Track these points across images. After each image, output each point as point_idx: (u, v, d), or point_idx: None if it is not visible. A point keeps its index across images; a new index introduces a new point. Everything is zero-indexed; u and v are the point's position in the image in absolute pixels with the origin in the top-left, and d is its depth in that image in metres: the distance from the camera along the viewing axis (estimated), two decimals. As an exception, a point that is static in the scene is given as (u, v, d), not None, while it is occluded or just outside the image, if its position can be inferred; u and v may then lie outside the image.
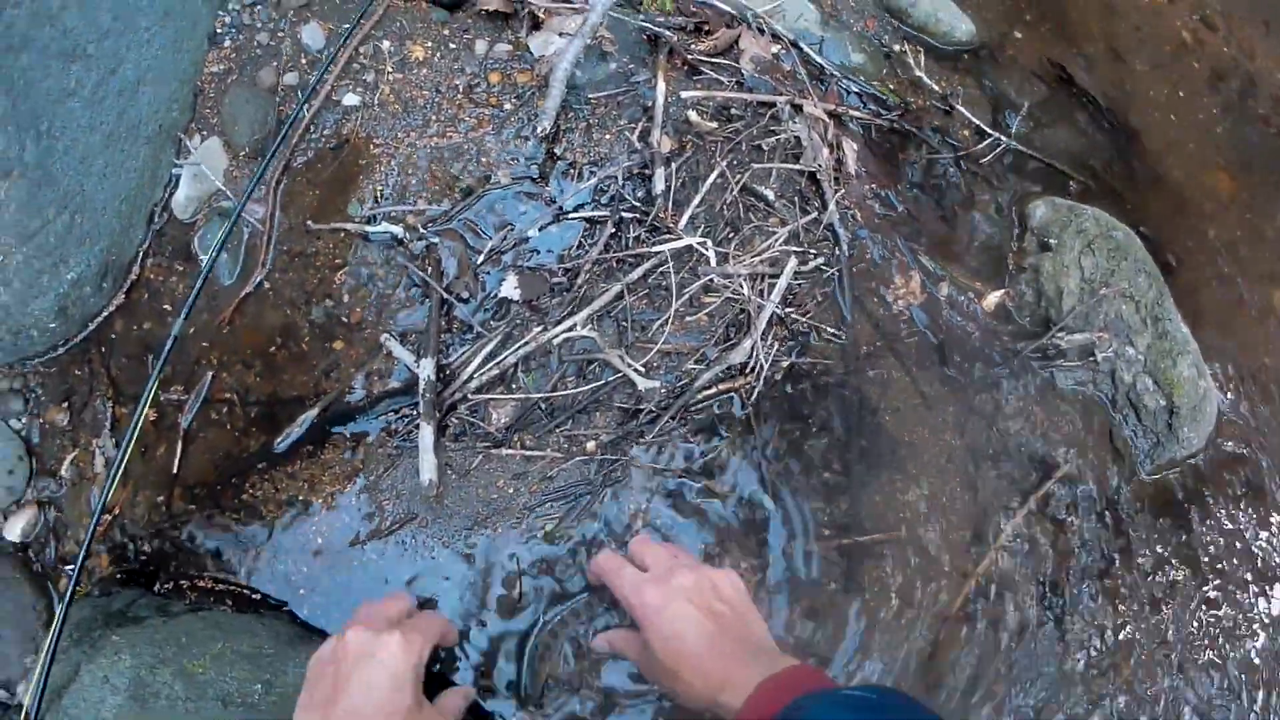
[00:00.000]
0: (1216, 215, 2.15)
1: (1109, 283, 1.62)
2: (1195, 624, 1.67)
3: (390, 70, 1.59)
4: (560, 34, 1.60)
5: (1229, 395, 1.86)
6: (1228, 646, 1.68)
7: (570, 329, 1.37)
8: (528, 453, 1.33)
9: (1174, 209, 2.03)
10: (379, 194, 1.49)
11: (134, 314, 1.45)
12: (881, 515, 1.46)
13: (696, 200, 1.48)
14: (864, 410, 1.48)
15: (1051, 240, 1.63)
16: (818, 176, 1.53)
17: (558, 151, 1.53)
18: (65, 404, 1.39)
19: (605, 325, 1.40)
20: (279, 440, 1.36)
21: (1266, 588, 1.75)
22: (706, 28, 1.67)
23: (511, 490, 1.33)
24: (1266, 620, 1.72)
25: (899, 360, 1.52)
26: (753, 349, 1.38)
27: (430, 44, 1.61)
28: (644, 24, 1.62)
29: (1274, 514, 1.83)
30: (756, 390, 1.41)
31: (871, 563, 1.45)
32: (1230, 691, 1.63)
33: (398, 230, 1.46)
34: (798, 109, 1.55)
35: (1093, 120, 2.00)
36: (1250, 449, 1.85)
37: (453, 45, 1.62)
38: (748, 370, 1.40)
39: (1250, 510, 1.79)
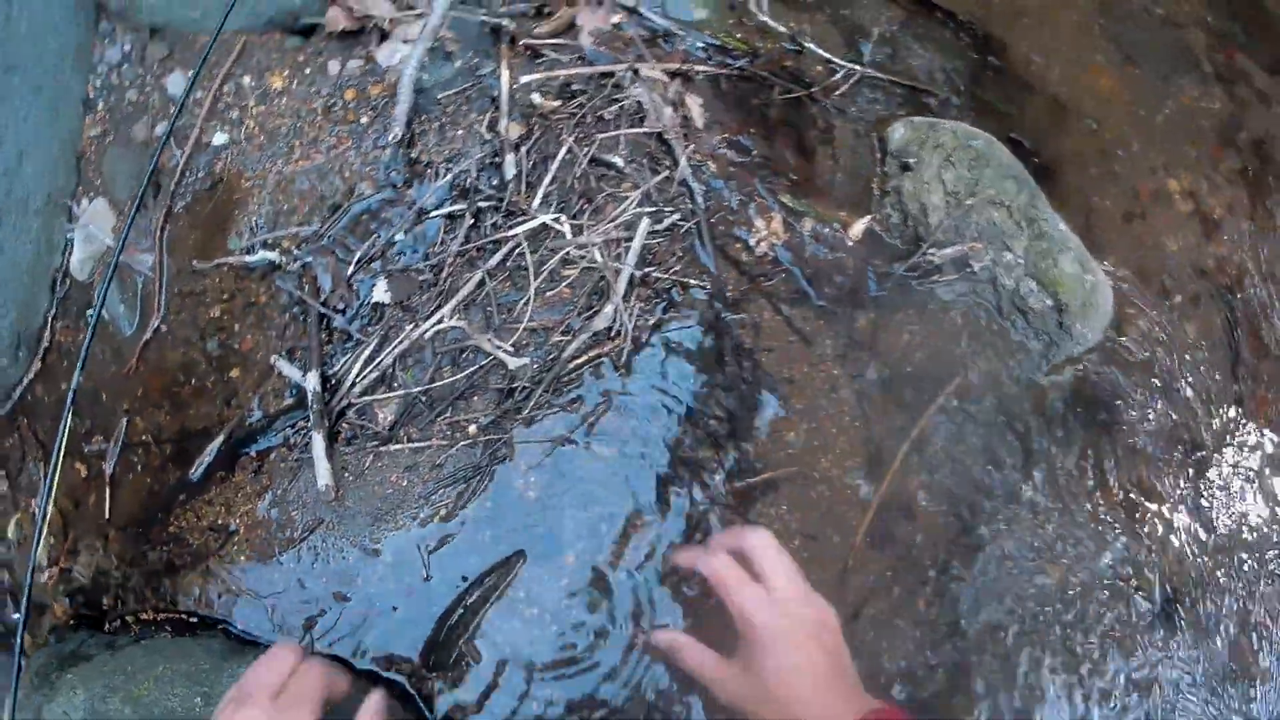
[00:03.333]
0: (1101, 114, 2.02)
1: (974, 192, 1.53)
2: (1109, 516, 1.60)
3: (253, 104, 1.55)
4: (405, 41, 1.54)
5: (1126, 286, 1.77)
6: (1145, 537, 1.61)
7: (439, 322, 1.33)
8: (415, 445, 1.31)
9: (1052, 114, 1.92)
10: (254, 225, 1.47)
11: (51, 377, 1.45)
12: (772, 454, 1.42)
13: (548, 179, 1.42)
14: (740, 354, 1.43)
15: (911, 160, 1.55)
16: (665, 136, 1.47)
17: (414, 155, 1.49)
18: (1, 472, 1.40)
19: (472, 313, 1.36)
20: (192, 471, 1.36)
21: (1177, 470, 1.68)
22: (547, 9, 1.60)
23: (405, 483, 1.31)
24: (1179, 498, 1.65)
25: (769, 301, 1.46)
26: (615, 313, 1.34)
27: (288, 72, 1.57)
28: (485, 18, 1.55)
29: (1180, 395, 1.74)
30: (626, 350, 1.36)
31: (769, 502, 1.40)
32: (1145, 580, 1.57)
33: (274, 256, 1.43)
34: (638, 74, 1.48)
35: (956, 37, 1.89)
36: (1150, 337, 1.76)
37: (308, 70, 1.57)
38: (614, 334, 1.36)
39: (1157, 395, 1.71)
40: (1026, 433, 1.57)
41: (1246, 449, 1.79)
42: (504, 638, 1.26)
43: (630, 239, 1.39)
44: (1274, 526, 1.74)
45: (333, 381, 1.35)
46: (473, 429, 1.32)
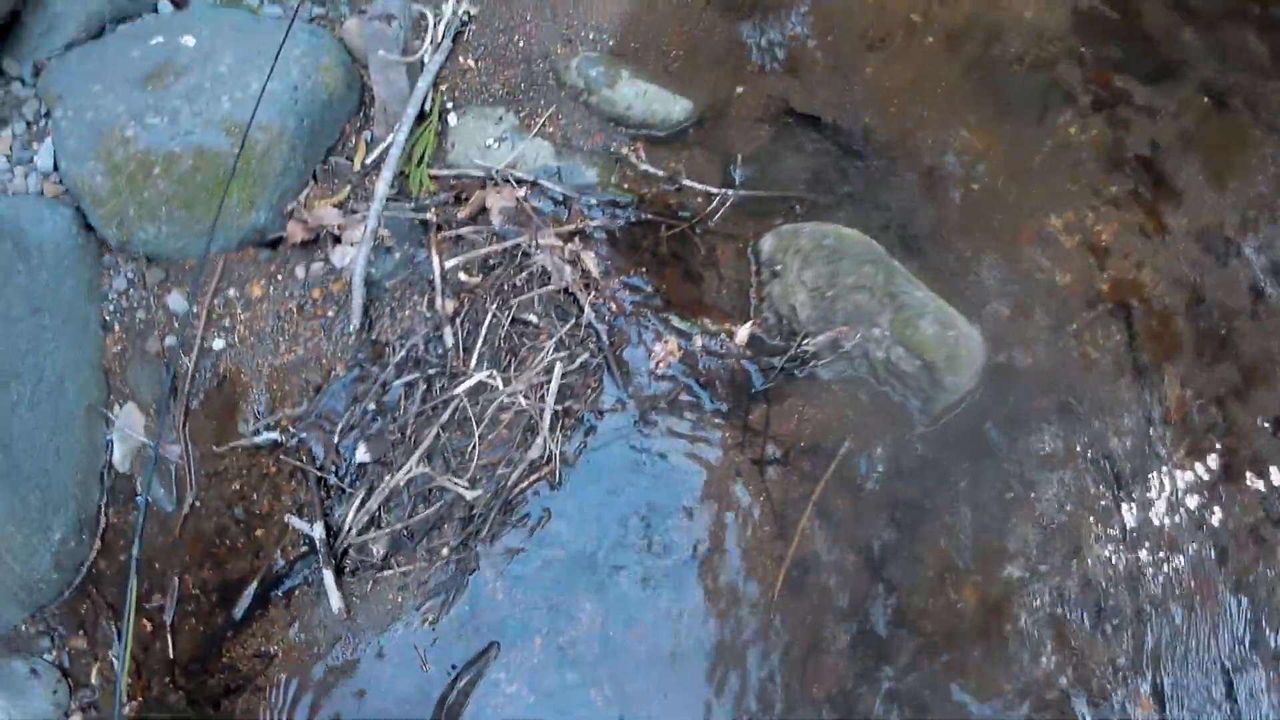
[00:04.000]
0: (976, 172, 2.87)
1: (834, 284, 2.39)
2: (1022, 533, 2.38)
3: (240, 312, 2.48)
4: (352, 244, 2.47)
5: (1012, 328, 2.58)
6: (1054, 550, 2.39)
7: (409, 471, 2.22)
8: (403, 570, 2.18)
9: (924, 185, 2.76)
10: (257, 411, 2.38)
11: (110, 553, 2.36)
12: (689, 535, 2.26)
13: (479, 342, 2.32)
14: (652, 458, 2.28)
15: (777, 267, 2.41)
16: (570, 290, 2.36)
17: (374, 336, 2.40)
18: (81, 631, 2.30)
19: (434, 460, 2.24)
20: (235, 612, 2.24)
21: (1082, 483, 2.45)
22: (464, 195, 2.53)
23: (400, 599, 2.18)
24: (1088, 509, 2.42)
25: (672, 411, 2.33)
26: (544, 444, 2.21)
27: (264, 281, 2.51)
28: (413, 214, 2.48)
29: (1078, 413, 2.52)
30: (559, 472, 2.23)
31: (696, 576, 2.24)
32: (1059, 588, 2.35)
33: (276, 435, 2.33)
34: (539, 244, 2.38)
35: (822, 139, 2.77)
36: (1035, 370, 2.55)
37: (280, 277, 2.51)
38: (547, 460, 2.23)
39: (1051, 417, 2.50)
40: (921, 478, 2.38)
41: (1161, 455, 2.56)
42: (492, 711, 2.10)
43: (550, 381, 2.27)
44: (1192, 530, 2.49)
45: (334, 528, 2.23)
46: (446, 551, 2.18)
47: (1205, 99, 3.38)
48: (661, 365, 2.29)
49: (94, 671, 2.27)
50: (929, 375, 2.35)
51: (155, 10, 2.74)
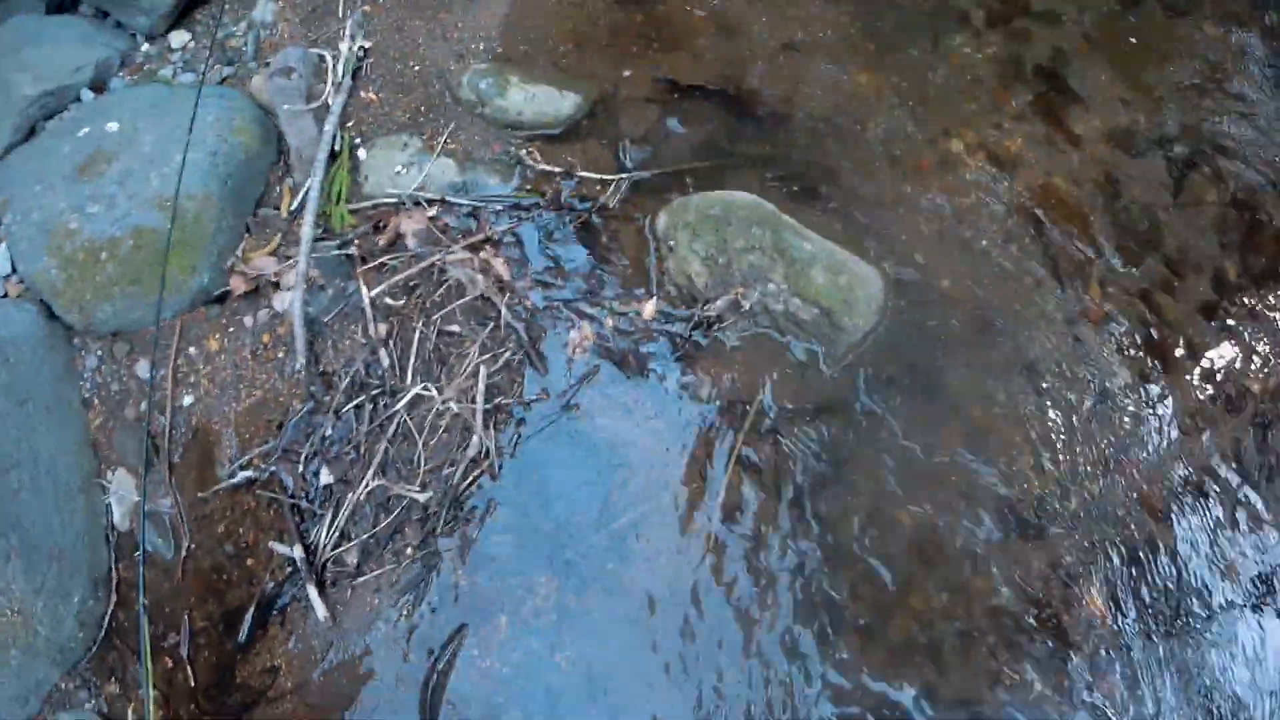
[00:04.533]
0: (866, 112, 3.01)
1: (724, 249, 2.56)
2: (948, 452, 2.56)
3: (202, 367, 2.75)
4: (288, 289, 2.72)
5: (913, 258, 2.73)
6: (994, 462, 2.56)
7: (367, 485, 2.47)
8: (375, 574, 2.44)
9: (814, 135, 2.91)
10: (230, 455, 2.66)
11: (126, 603, 2.66)
12: (624, 502, 2.48)
13: (412, 359, 2.55)
14: (579, 439, 2.50)
15: (671, 242, 2.60)
16: (486, 296, 2.58)
17: (322, 369, 2.65)
18: (112, 678, 2.61)
19: (388, 471, 2.50)
20: (240, 636, 2.54)
21: (1009, 392, 2.60)
22: (381, 224, 2.75)
23: (377, 601, 2.45)
24: (1019, 419, 2.58)
25: (596, 391, 2.54)
26: (479, 441, 2.44)
27: (218, 335, 2.77)
28: (338, 251, 2.71)
29: (999, 325, 2.67)
30: (497, 464, 2.46)
31: (635, 538, 2.46)
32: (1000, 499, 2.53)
33: (250, 473, 2.61)
34: (448, 259, 2.60)
35: (711, 107, 2.92)
36: (950, 293, 2.70)
37: (231, 329, 2.77)
38: (485, 455, 2.46)
39: (951, 341, 2.66)
40: (838, 417, 2.57)
41: (1088, 356, 2.69)
42: (469, 686, 2.37)
43: (477, 384, 2.50)
44: (1128, 428, 2.63)
45: (312, 546, 2.50)
46: (410, 551, 2.44)
47: (1110, -7, 3.42)
48: (578, 351, 2.50)
49: (129, 712, 2.58)
50: (827, 320, 2.52)
51: (78, 99, 2.98)
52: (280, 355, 2.65)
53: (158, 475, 2.63)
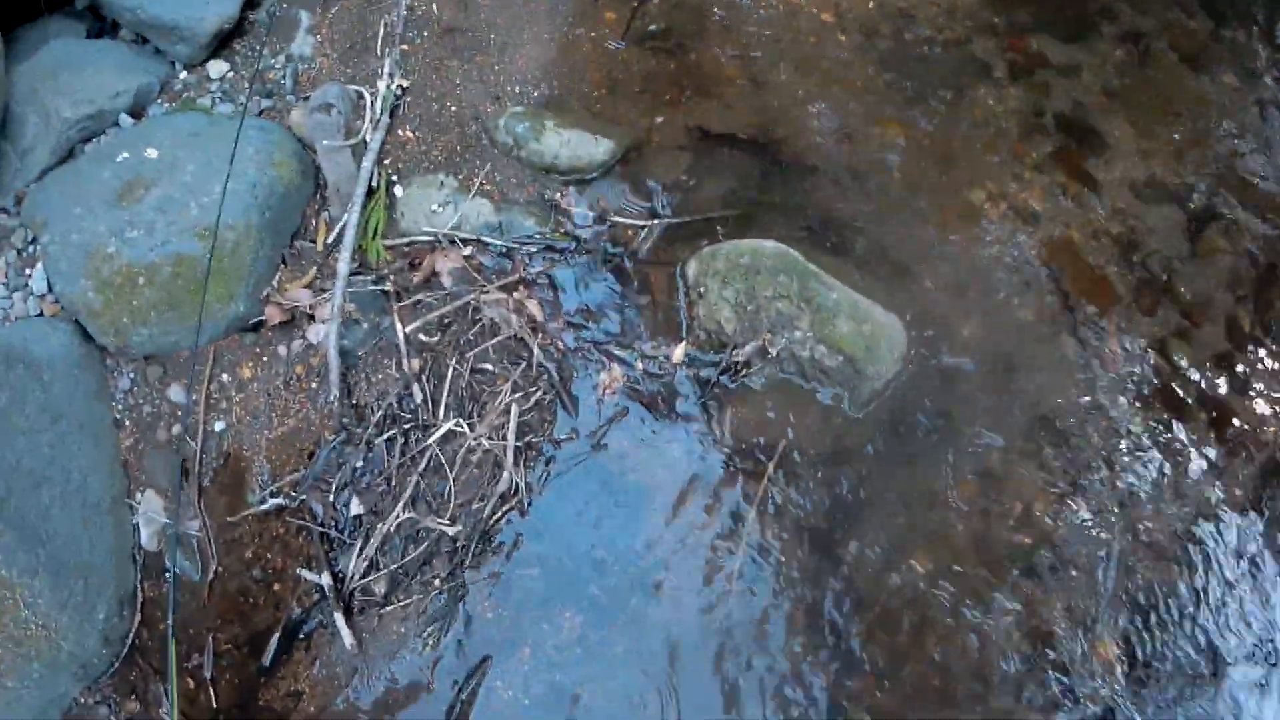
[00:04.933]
0: (893, 162, 3.12)
1: (753, 297, 2.66)
2: (964, 506, 2.66)
3: (234, 394, 2.82)
4: (324, 321, 2.79)
5: (935, 307, 2.84)
6: (1002, 516, 2.67)
7: (397, 517, 2.54)
8: (402, 604, 2.51)
9: (841, 185, 3.01)
10: (261, 482, 2.72)
11: (150, 623, 2.71)
12: (649, 541, 2.56)
13: (445, 394, 2.63)
14: (608, 476, 2.59)
15: (701, 289, 2.70)
16: (519, 335, 2.66)
17: (355, 401, 2.72)
18: (133, 695, 2.65)
19: (418, 505, 2.57)
20: (264, 660, 2.59)
21: (1026, 443, 2.70)
22: (416, 261, 2.84)
23: (403, 630, 2.51)
24: (1034, 470, 2.69)
25: (624, 431, 2.63)
26: (509, 478, 2.52)
27: (251, 363, 2.84)
28: (374, 285, 2.80)
29: (1020, 375, 2.77)
30: (526, 501, 2.54)
31: (659, 577, 2.54)
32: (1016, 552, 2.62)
33: (280, 500, 2.67)
34: (484, 299, 2.69)
35: (740, 155, 3.03)
36: (968, 343, 2.81)
37: (265, 358, 2.84)
38: (514, 492, 2.54)
39: (989, 384, 2.75)
40: (860, 462, 2.66)
41: (1104, 405, 2.80)
42: (492, 715, 2.43)
43: (509, 421, 2.58)
44: (1143, 476, 2.73)
45: (340, 575, 2.56)
46: (437, 583, 2.51)
47: (1126, 47, 3.57)
48: (607, 392, 2.59)
49: (154, 726, 2.63)
50: (851, 367, 2.62)
51: (117, 124, 3.05)
52: (313, 386, 2.72)
53: (187, 498, 2.69)
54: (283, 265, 2.86)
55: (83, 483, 2.64)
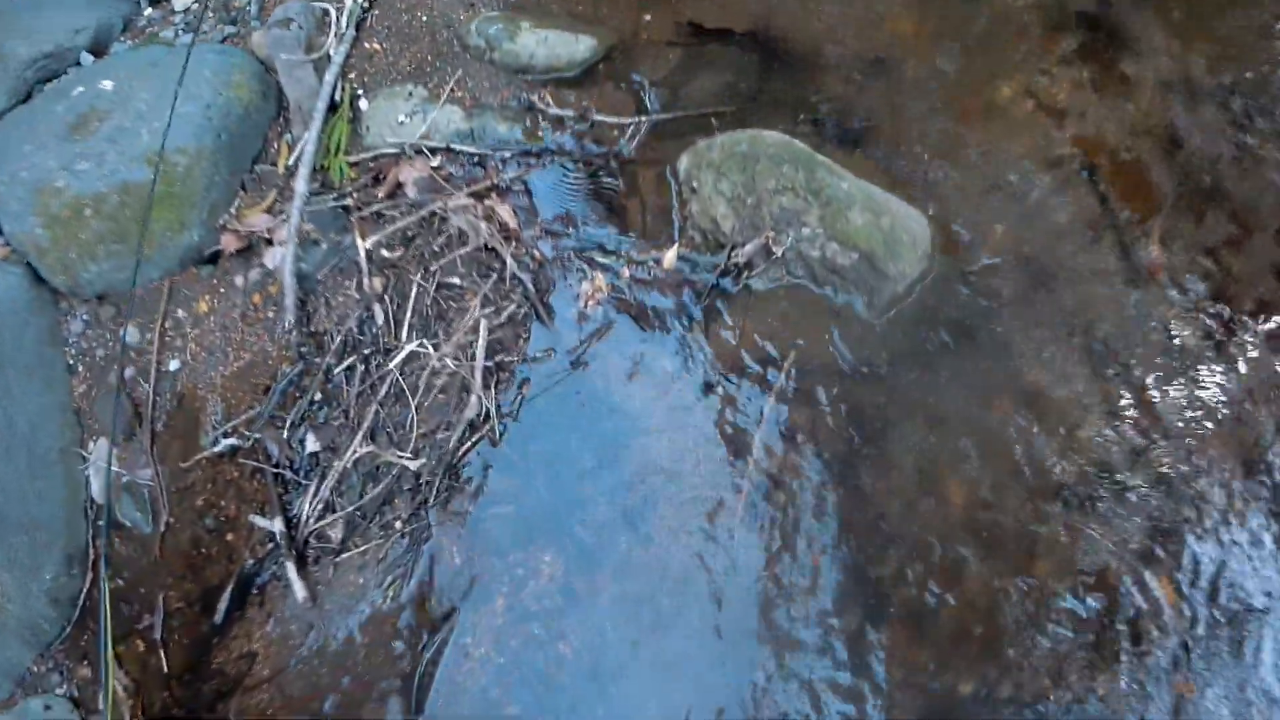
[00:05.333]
0: (906, 58, 2.71)
1: (753, 190, 2.28)
2: (1005, 419, 2.23)
3: (190, 330, 2.55)
4: (281, 244, 2.51)
5: (960, 206, 2.42)
6: (1049, 430, 2.23)
7: (354, 452, 2.22)
8: (360, 549, 2.18)
9: (850, 81, 2.63)
10: (214, 422, 2.43)
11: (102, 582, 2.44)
12: (640, 469, 2.19)
13: (409, 314, 2.31)
14: (591, 400, 2.22)
15: (694, 184, 2.32)
16: (490, 245, 2.33)
17: (313, 329, 2.42)
18: (85, 661, 2.38)
19: (379, 437, 2.25)
20: (216, 618, 2.29)
21: (1064, 351, 2.27)
22: (381, 174, 2.53)
23: (362, 580, 2.18)
24: (1075, 380, 2.25)
25: (609, 347, 2.26)
26: (479, 402, 2.18)
27: (208, 296, 2.56)
28: (335, 203, 2.50)
29: (1056, 280, 2.34)
30: (498, 427, 2.20)
31: (654, 510, 2.17)
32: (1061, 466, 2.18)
33: (234, 441, 2.38)
34: (449, 206, 2.36)
35: (738, 51, 2.66)
36: (999, 243, 2.39)
37: (222, 290, 2.56)
38: (484, 418, 2.20)
39: (1004, 295, 2.34)
40: (881, 378, 2.25)
41: (1150, 317, 2.35)
42: (462, 677, 2.08)
43: (477, 339, 2.24)
44: (1194, 393, 2.28)
45: (295, 520, 2.25)
46: (398, 525, 2.17)
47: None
48: (590, 303, 2.23)
49: (100, 698, 2.34)
50: (869, 266, 2.22)
51: (78, 63, 2.84)
52: (271, 315, 2.43)
53: (139, 445, 2.41)
54: (242, 191, 2.60)
55: (30, 433, 2.39)
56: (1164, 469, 2.14)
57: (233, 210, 2.56)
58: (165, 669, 2.25)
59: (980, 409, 2.18)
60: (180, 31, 2.89)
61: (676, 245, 2.24)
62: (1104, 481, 2.14)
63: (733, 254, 2.18)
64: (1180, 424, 2.19)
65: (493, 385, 2.15)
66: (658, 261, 2.24)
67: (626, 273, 2.23)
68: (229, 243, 2.49)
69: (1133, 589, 2.01)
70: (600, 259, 2.25)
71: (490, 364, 2.15)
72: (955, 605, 2.05)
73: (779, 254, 2.17)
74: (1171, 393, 2.21)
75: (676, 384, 2.16)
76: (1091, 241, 2.41)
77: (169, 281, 2.54)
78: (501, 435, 2.14)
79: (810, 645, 2.00)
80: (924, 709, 1.96)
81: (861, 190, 2.20)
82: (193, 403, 2.42)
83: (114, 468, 2.40)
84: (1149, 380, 2.19)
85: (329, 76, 2.60)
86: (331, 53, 2.66)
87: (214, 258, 2.55)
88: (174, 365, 2.46)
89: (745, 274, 2.20)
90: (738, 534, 2.06)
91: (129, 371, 2.48)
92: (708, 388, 2.15)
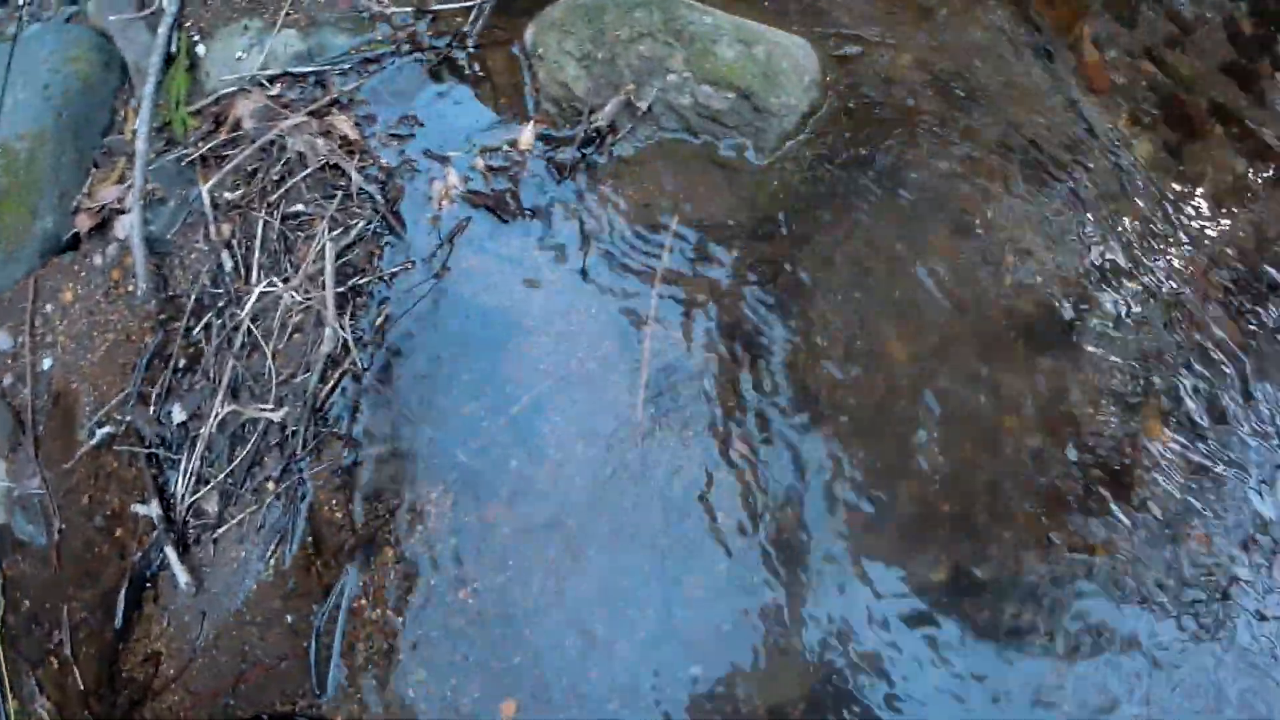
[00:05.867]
0: None
1: (603, 42, 1.94)
2: (905, 278, 1.86)
3: (58, 322, 2.33)
4: (128, 210, 2.27)
5: (857, 30, 2.04)
6: (971, 253, 1.85)
7: (217, 414, 1.97)
8: (236, 520, 1.92)
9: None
10: (87, 414, 2.21)
11: (15, 605, 2.25)
12: (526, 376, 1.87)
13: (256, 255, 2.04)
14: (457, 310, 1.92)
15: (540, 50, 1.99)
16: (331, 162, 2.04)
17: (170, 292, 2.17)
18: (10, 691, 2.19)
19: (240, 393, 1.98)
20: (116, 623, 2.07)
21: (972, 186, 1.89)
22: (222, 116, 2.27)
23: (243, 553, 1.92)
24: (987, 213, 1.86)
25: (471, 248, 1.95)
26: (334, 334, 1.90)
27: (71, 283, 2.34)
28: (176, 158, 2.25)
29: (949, 111, 1.96)
30: (359, 358, 1.91)
31: (545, 421, 1.86)
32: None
33: (108, 429, 2.15)
34: (285, 130, 2.08)
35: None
36: (897, 70, 2.00)
37: (83, 273, 2.33)
38: (343, 349, 1.91)
39: (923, 121, 1.95)
40: (787, 228, 1.89)
41: (1096, 128, 1.94)
42: (363, 643, 1.80)
43: (325, 265, 1.95)
44: (1145, 220, 1.86)
45: (171, 500, 2.01)
46: (270, 486, 1.91)
47: None
48: (444, 203, 1.93)
49: (14, 723, 2.15)
50: (748, 104, 1.86)
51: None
52: (130, 289, 2.19)
53: (25, 455, 2.20)
54: (94, 168, 2.36)
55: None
56: (1134, 299, 1.73)
57: (85, 189, 2.33)
58: (80, 686, 2.03)
59: (911, 251, 1.81)
60: (25, 21, 2.67)
61: (531, 123, 1.91)
62: (1069, 318, 1.73)
63: (592, 118, 1.83)
64: (1148, 249, 1.77)
65: (348, 312, 1.86)
66: (513, 144, 1.91)
67: (480, 163, 1.92)
68: (83, 222, 2.27)
69: (1116, 430, 1.61)
70: (451, 153, 1.93)
71: (344, 290, 1.86)
72: (913, 482, 1.68)
73: (644, 108, 1.83)
74: (1132, 216, 1.79)
75: (551, 275, 1.84)
76: (1015, 57, 2.00)
77: (34, 277, 2.33)
78: (366, 367, 1.84)
79: (746, 552, 1.67)
80: (891, 607, 1.60)
81: (729, 21, 1.84)
82: (67, 398, 2.20)
83: (4, 482, 2.20)
84: (1106, 205, 1.77)
85: (162, 29, 2.36)
86: (165, 4, 2.40)
87: (74, 242, 2.32)
88: (47, 363, 2.24)
89: (610, 139, 1.85)
90: (643, 434, 1.73)
91: (7, 380, 2.28)
92: (586, 273, 1.82)
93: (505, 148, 1.92)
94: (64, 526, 2.12)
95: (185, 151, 2.18)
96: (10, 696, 1.96)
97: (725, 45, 1.80)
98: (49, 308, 2.28)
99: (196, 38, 2.39)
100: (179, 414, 1.98)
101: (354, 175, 1.95)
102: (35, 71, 2.40)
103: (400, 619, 1.75)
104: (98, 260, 2.26)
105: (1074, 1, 2.04)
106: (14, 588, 2.17)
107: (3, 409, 2.26)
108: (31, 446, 2.19)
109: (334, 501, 1.84)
